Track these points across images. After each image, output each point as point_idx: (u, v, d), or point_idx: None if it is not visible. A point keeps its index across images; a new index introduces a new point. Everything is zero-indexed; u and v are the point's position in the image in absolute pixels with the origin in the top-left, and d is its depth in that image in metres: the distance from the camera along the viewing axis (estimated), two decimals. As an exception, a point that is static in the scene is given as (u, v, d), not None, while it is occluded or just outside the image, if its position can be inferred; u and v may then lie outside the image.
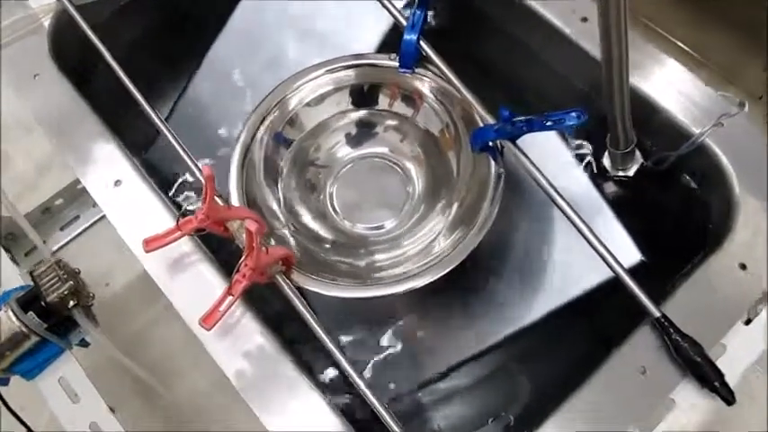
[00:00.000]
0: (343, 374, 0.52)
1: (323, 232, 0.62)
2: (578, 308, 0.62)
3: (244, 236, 0.51)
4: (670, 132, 0.61)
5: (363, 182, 0.65)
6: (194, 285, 0.55)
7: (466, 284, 0.64)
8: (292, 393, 0.52)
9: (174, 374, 0.77)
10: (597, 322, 0.63)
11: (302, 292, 0.55)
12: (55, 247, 0.77)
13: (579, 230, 0.54)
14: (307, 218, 0.63)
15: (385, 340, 0.62)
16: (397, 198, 0.64)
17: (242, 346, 0.53)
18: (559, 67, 0.68)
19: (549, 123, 0.54)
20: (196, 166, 0.58)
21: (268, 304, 0.57)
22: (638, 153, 0.62)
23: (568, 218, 0.54)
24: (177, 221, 0.54)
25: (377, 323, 0.63)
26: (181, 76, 0.75)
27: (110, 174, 0.60)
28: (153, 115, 0.60)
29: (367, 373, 0.61)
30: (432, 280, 0.54)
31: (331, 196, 0.64)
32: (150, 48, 0.77)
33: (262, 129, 0.62)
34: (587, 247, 0.56)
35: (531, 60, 0.70)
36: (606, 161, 0.63)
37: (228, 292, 0.52)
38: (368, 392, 0.49)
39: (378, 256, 0.60)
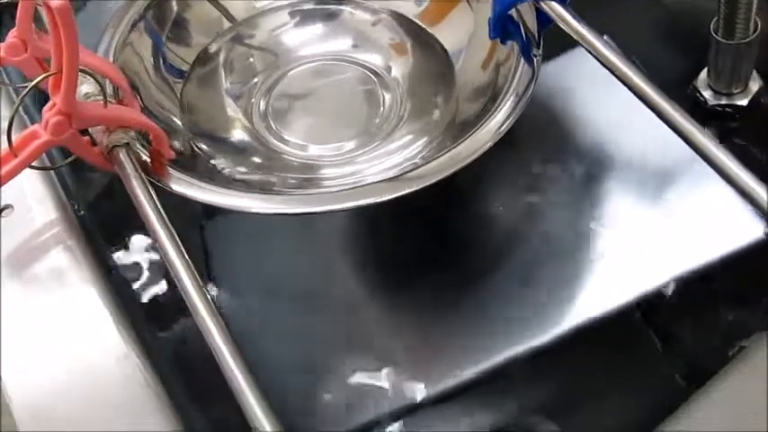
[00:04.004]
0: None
1: (238, 143, 0.39)
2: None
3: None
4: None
5: (315, 87, 0.42)
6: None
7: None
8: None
9: None
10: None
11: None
12: None
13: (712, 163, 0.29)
14: (216, 124, 0.39)
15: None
16: (363, 111, 0.40)
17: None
18: None
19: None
20: None
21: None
22: (754, 74, 0.39)
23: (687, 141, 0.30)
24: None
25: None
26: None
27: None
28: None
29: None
30: (407, 191, 0.31)
31: (267, 98, 0.41)
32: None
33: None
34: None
35: None
36: (703, 83, 0.40)
37: (11, 153, 0.29)
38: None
39: (325, 171, 0.37)
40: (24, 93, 0.27)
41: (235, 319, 0.39)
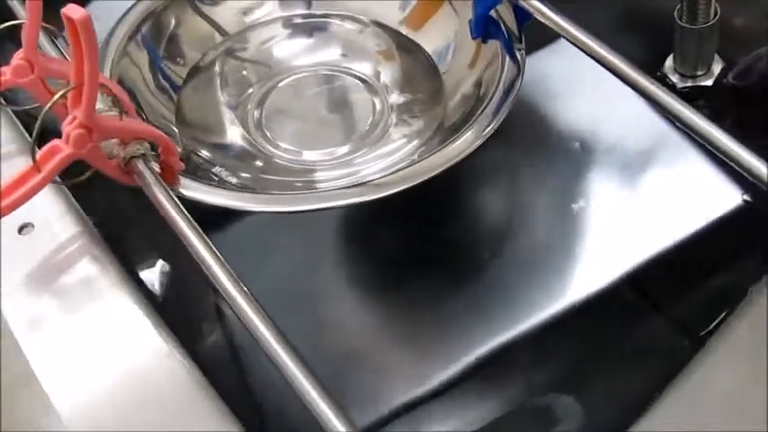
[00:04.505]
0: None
1: (235, 151, 0.40)
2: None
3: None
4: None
5: (306, 95, 0.43)
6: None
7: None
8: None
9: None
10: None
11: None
12: None
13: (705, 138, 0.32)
14: (215, 133, 0.40)
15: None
16: (354, 117, 0.42)
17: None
18: None
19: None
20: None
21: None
22: (716, 57, 0.43)
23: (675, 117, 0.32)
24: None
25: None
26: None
27: None
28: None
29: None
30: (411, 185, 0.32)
31: (259, 107, 0.41)
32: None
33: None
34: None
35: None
36: (670, 69, 0.43)
37: (35, 168, 0.29)
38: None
39: (324, 174, 0.38)
40: (46, 108, 0.28)
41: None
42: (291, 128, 0.41)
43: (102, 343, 0.26)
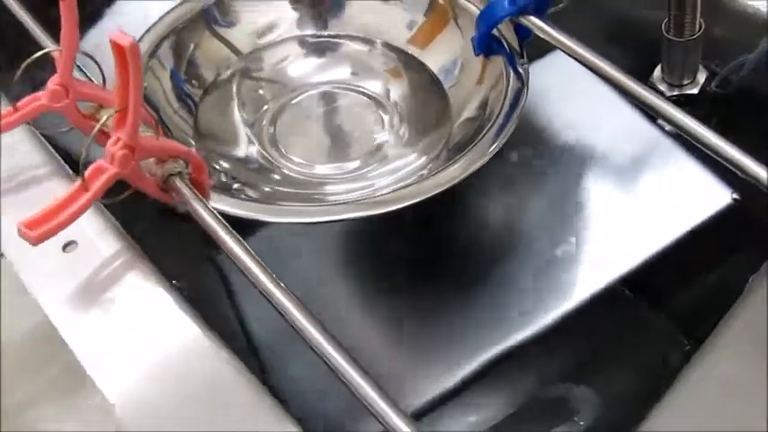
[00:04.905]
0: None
1: (251, 165, 0.41)
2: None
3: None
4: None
5: (319, 112, 0.45)
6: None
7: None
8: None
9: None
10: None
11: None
12: None
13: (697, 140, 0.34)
14: (231, 147, 0.42)
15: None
16: (365, 132, 0.44)
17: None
18: None
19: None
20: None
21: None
22: (701, 68, 0.46)
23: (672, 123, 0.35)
24: (14, 103, 0.34)
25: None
26: None
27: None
28: None
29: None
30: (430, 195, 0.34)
31: (273, 123, 0.43)
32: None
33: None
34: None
35: None
36: (658, 79, 0.46)
37: (82, 188, 0.30)
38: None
39: (337, 187, 0.40)
40: (94, 131, 0.29)
41: (257, 325, 0.42)
42: (304, 143, 0.43)
43: (156, 352, 0.28)
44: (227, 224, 0.30)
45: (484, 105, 0.39)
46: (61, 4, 0.32)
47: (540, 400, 0.39)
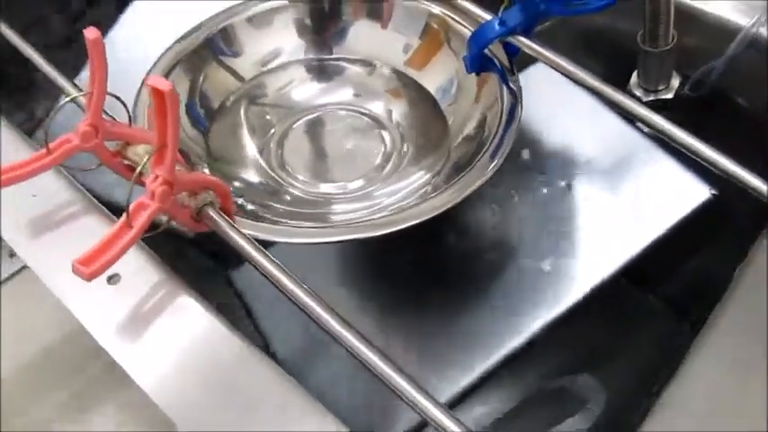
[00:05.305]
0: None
1: (260, 187, 0.44)
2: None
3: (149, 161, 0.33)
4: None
5: (323, 132, 0.47)
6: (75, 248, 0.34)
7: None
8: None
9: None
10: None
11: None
12: None
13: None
14: (242, 170, 0.44)
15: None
16: (368, 152, 0.46)
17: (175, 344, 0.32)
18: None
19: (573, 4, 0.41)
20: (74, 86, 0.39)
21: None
22: (674, 74, 0.49)
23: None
24: (45, 144, 0.35)
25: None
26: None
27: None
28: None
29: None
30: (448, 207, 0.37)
31: (280, 146, 0.46)
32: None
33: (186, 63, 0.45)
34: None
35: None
36: (635, 85, 0.49)
37: (126, 225, 0.32)
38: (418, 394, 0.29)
39: (344, 206, 0.42)
40: (137, 172, 0.31)
41: (278, 338, 0.44)
42: (311, 164, 0.46)
43: (202, 365, 0.30)
44: (261, 248, 0.32)
45: (482, 123, 0.42)
46: (90, 51, 0.33)
47: (552, 390, 0.42)
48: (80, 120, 0.35)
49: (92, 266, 0.30)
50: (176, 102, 0.30)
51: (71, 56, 0.57)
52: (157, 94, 0.30)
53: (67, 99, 0.35)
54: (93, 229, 0.35)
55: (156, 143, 0.31)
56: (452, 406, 0.40)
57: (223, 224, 0.33)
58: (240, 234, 0.33)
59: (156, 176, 0.32)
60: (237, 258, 0.45)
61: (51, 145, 0.35)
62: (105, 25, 0.56)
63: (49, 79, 0.41)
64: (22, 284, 0.77)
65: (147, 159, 0.31)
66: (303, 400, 0.29)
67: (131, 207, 0.32)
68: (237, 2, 0.47)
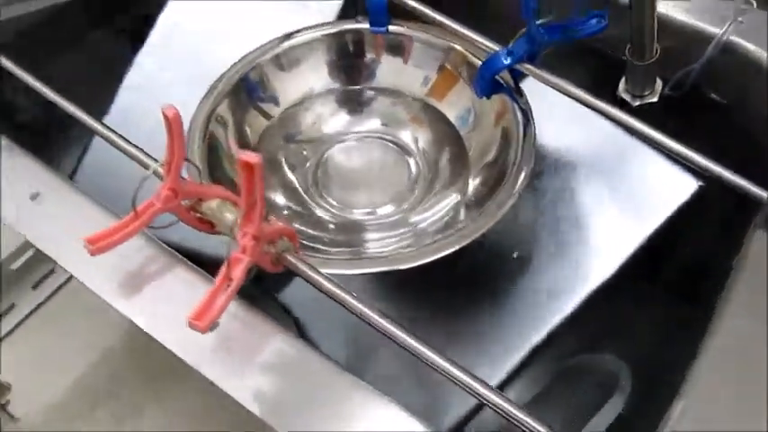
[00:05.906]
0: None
1: (308, 219, 0.49)
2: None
3: (227, 216, 0.38)
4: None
5: (355, 161, 0.52)
6: (169, 299, 0.39)
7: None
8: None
9: None
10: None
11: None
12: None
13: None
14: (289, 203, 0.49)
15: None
16: (397, 176, 0.52)
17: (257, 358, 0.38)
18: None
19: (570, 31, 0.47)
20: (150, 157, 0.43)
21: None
22: (657, 79, 0.55)
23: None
24: (134, 208, 0.39)
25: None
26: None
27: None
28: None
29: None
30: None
31: (315, 177, 0.51)
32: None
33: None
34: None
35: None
36: (623, 90, 0.55)
37: (226, 278, 0.37)
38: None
39: (379, 234, 0.48)
40: (234, 235, 0.36)
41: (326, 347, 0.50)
42: (349, 193, 0.51)
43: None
44: (337, 282, 0.38)
45: (501, 146, 0.48)
46: (169, 126, 0.37)
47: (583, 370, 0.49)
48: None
49: (204, 320, 0.35)
50: (261, 171, 0.35)
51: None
52: (246, 166, 0.35)
53: (150, 171, 0.39)
54: (184, 282, 0.40)
55: (245, 205, 0.36)
56: (501, 388, 0.46)
57: (303, 267, 0.38)
58: (316, 272, 0.38)
59: (245, 233, 0.37)
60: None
61: (138, 209, 0.39)
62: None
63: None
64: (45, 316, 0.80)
65: (235, 220, 0.36)
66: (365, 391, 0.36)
67: (232, 262, 0.36)
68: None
